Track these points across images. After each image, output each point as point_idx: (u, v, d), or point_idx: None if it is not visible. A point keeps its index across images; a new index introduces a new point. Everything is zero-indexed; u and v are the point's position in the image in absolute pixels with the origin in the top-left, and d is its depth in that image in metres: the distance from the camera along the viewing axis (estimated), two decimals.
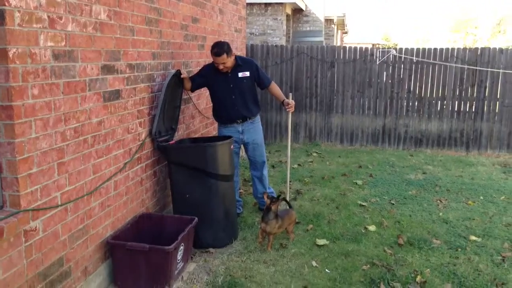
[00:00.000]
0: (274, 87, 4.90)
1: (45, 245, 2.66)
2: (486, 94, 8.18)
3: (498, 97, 8.15)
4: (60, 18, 2.69)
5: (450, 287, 3.48)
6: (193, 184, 4.07)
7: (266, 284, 3.45)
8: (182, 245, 3.48)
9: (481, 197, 5.66)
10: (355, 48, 8.64)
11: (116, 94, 3.37)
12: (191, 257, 3.85)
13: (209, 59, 5.58)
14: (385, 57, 8.41)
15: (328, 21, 17.19)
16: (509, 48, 8.18)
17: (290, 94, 5.06)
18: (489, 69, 8.09)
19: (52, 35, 2.62)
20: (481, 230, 4.61)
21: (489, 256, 4.02)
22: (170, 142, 4.22)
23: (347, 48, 8.69)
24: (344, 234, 4.44)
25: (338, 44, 22.56)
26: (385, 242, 4.27)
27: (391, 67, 8.46)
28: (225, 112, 4.72)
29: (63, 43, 2.73)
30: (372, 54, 8.50)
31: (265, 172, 5.02)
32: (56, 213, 2.75)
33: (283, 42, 12.18)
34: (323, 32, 15.55)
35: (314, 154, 7.98)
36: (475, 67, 8.14)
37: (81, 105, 2.94)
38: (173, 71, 4.30)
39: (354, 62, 8.55)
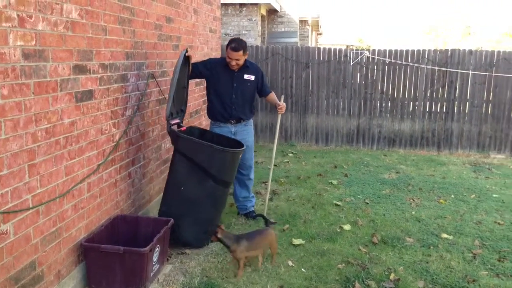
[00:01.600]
0: (273, 96, 4.90)
1: (16, 249, 2.59)
2: (456, 95, 8.39)
3: (467, 97, 8.37)
4: (30, 17, 2.63)
5: (423, 284, 3.55)
6: (192, 180, 3.98)
7: (242, 285, 3.45)
8: (158, 247, 3.44)
9: (452, 196, 5.80)
10: (329, 49, 8.73)
11: (88, 95, 3.31)
12: (167, 259, 3.81)
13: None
14: (359, 58, 8.53)
15: (303, 22, 17.32)
16: (478, 49, 8.39)
17: (282, 96, 5.05)
18: (459, 71, 8.30)
19: (22, 34, 2.56)
20: (453, 228, 4.72)
21: (461, 254, 4.12)
22: (182, 128, 4.13)
23: (322, 49, 8.77)
24: (319, 233, 4.47)
25: (313, 45, 22.75)
26: (360, 241, 4.33)
27: (364, 68, 8.58)
28: (222, 110, 4.65)
29: (33, 42, 2.67)
30: (346, 55, 8.61)
31: (252, 175, 4.95)
32: (28, 216, 2.68)
33: (258, 42, 12.21)
34: (298, 33, 15.66)
35: (290, 154, 8.02)
36: (445, 69, 8.33)
37: (52, 105, 2.88)
38: (183, 52, 4.20)
39: (329, 63, 8.64)
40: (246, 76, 4.64)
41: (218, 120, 4.70)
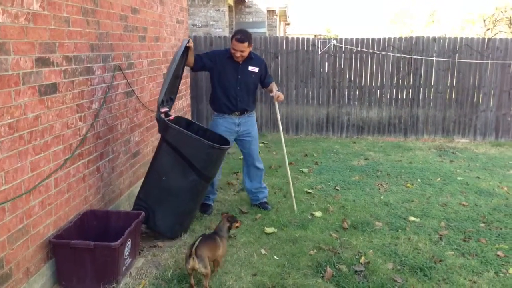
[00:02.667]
0: (273, 85, 4.89)
1: None
2: (421, 82, 8.59)
3: (432, 84, 8.58)
4: None
5: (392, 266, 3.65)
6: (176, 171, 3.96)
7: (216, 274, 3.46)
8: (129, 241, 3.42)
9: (419, 180, 5.96)
10: (298, 39, 8.78)
11: (53, 88, 3.24)
12: (139, 252, 3.79)
13: (151, 51, 5.49)
14: (326, 47, 8.60)
15: (271, 12, 17.30)
16: (442, 36, 8.60)
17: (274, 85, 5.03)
18: (423, 57, 8.49)
19: None
20: (420, 211, 4.85)
21: (428, 235, 4.25)
22: (170, 118, 4.09)
23: (290, 39, 8.81)
24: (291, 221, 4.53)
25: (281, 35, 22.77)
26: (331, 227, 4.40)
27: (332, 57, 8.67)
28: (227, 102, 4.64)
29: None
30: (314, 45, 8.67)
31: (261, 165, 4.94)
32: None
33: (226, 33, 12.14)
34: (266, 23, 15.64)
35: (261, 144, 8.05)
36: (410, 56, 8.50)
37: (15, 99, 2.80)
38: (185, 41, 4.21)
39: (297, 52, 8.68)
40: (250, 68, 4.66)
41: (223, 112, 4.69)
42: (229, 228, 3.64)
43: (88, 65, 3.81)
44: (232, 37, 4.51)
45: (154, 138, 5.63)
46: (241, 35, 4.47)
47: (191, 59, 4.50)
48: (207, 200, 4.78)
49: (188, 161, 3.94)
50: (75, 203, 3.59)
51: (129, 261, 3.48)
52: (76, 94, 3.61)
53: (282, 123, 8.79)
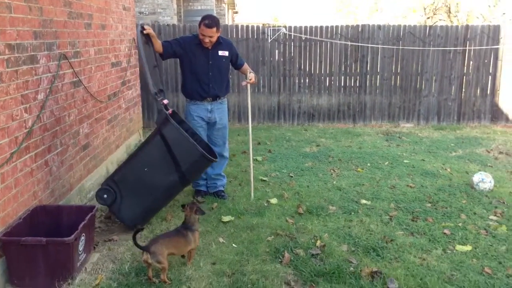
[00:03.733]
0: (246, 66, 4.95)
1: None
2: (368, 69, 8.83)
3: (378, 71, 8.84)
4: None
5: (346, 248, 3.77)
6: (160, 166, 3.93)
7: (175, 265, 3.44)
8: (83, 235, 3.32)
9: (369, 164, 6.16)
10: (247, 27, 8.75)
11: None
12: (94, 247, 3.68)
13: (97, 39, 5.30)
14: (276, 35, 8.64)
15: (219, 0, 17.13)
16: (386, 24, 8.86)
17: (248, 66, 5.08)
18: (369, 45, 8.72)
19: None
20: (370, 194, 5.03)
21: (379, 217, 4.41)
22: (169, 112, 4.05)
23: (240, 27, 8.77)
24: (248, 209, 4.55)
25: (230, 23, 22.63)
26: (287, 213, 4.47)
27: (282, 45, 8.73)
28: (199, 88, 4.62)
29: None
30: (263, 33, 8.68)
31: (227, 154, 4.98)
32: None
33: (174, 21, 11.91)
34: (215, 11, 15.47)
35: None
36: (357, 44, 8.71)
37: None
38: (139, 27, 4.14)
39: (247, 41, 8.67)
40: (220, 53, 4.65)
41: (195, 98, 4.67)
42: (198, 218, 3.57)
43: (32, 53, 3.63)
44: (200, 22, 4.48)
45: (104, 130, 5.47)
46: (209, 20, 4.45)
47: (157, 45, 4.43)
48: (200, 187, 4.90)
49: (176, 161, 3.93)
50: (23, 198, 3.43)
51: (84, 256, 3.38)
52: (20, 84, 3.44)
53: (233, 112, 8.84)
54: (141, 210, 4.03)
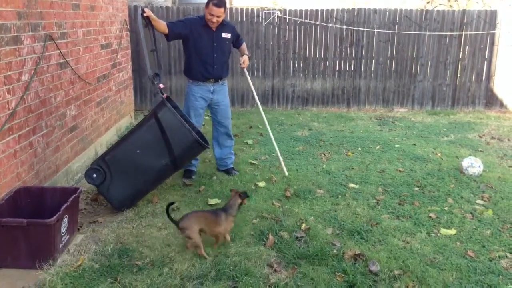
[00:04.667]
0: (244, 46, 5.09)
1: None
2: (363, 53, 8.77)
3: (373, 55, 8.78)
4: None
5: (331, 231, 3.77)
6: (153, 150, 3.95)
7: (158, 247, 3.45)
8: (66, 217, 3.31)
9: (359, 148, 6.15)
10: (242, 10, 8.66)
11: None
12: (78, 229, 3.69)
13: (86, 20, 5.24)
14: (271, 18, 8.55)
15: None
16: (382, 8, 8.76)
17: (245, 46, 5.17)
18: (365, 29, 8.64)
19: None
20: (359, 177, 5.02)
21: (365, 201, 4.42)
22: (164, 96, 4.08)
23: (234, 10, 8.67)
24: None
25: (228, 7, 22.39)
26: (274, 196, 4.47)
27: (277, 28, 8.64)
28: (203, 69, 4.68)
29: None
30: (258, 16, 8.59)
31: (231, 133, 5.13)
32: None
33: (168, 3, 11.76)
34: None
35: (206, 117, 7.93)
36: (352, 27, 8.63)
37: None
38: (139, 10, 4.14)
39: (241, 24, 8.58)
40: (224, 35, 4.72)
41: (198, 79, 4.72)
42: (240, 205, 3.56)
43: (16, 34, 3.59)
44: (209, 2, 4.49)
45: (92, 112, 5.44)
46: (218, 0, 4.46)
47: (160, 26, 4.41)
48: (190, 167, 4.92)
49: (169, 145, 3.96)
50: (6, 180, 3.43)
51: (67, 237, 3.39)
52: (3, 65, 3.41)
53: None
54: (130, 192, 4.04)
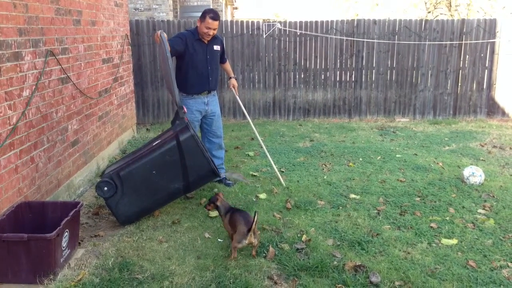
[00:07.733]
0: (228, 65, 5.30)
1: None
2: (363, 64, 8.81)
3: (374, 66, 8.81)
4: None
5: (332, 242, 3.77)
6: (169, 172, 4.00)
7: (159, 260, 3.45)
8: (67, 231, 3.33)
9: (361, 159, 6.15)
10: (242, 22, 8.74)
11: None
12: (79, 243, 3.70)
13: (87, 36, 5.30)
14: (271, 30, 8.62)
15: None
16: (382, 19, 8.82)
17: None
18: (365, 40, 8.69)
19: None
20: (360, 188, 5.02)
21: (366, 211, 4.41)
22: (185, 119, 4.17)
23: (234, 22, 8.76)
24: (236, 204, 4.55)
25: (229, 19, 22.59)
26: (275, 208, 4.47)
27: (277, 40, 8.71)
28: (199, 83, 4.77)
29: None
30: (258, 28, 8.67)
31: (223, 144, 5.18)
32: None
33: (170, 17, 11.88)
34: (211, 7, 15.42)
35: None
36: (352, 38, 8.68)
37: None
38: (164, 34, 4.18)
39: (242, 36, 8.65)
40: (215, 47, 4.84)
41: (193, 92, 4.79)
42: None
43: (17, 50, 3.64)
44: (205, 16, 4.58)
45: (94, 126, 5.48)
46: (214, 13, 4.59)
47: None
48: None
49: (185, 171, 4.02)
50: (7, 195, 3.45)
51: (68, 252, 3.40)
52: (5, 81, 3.45)
53: (229, 108, 8.84)
54: (139, 209, 4.06)
